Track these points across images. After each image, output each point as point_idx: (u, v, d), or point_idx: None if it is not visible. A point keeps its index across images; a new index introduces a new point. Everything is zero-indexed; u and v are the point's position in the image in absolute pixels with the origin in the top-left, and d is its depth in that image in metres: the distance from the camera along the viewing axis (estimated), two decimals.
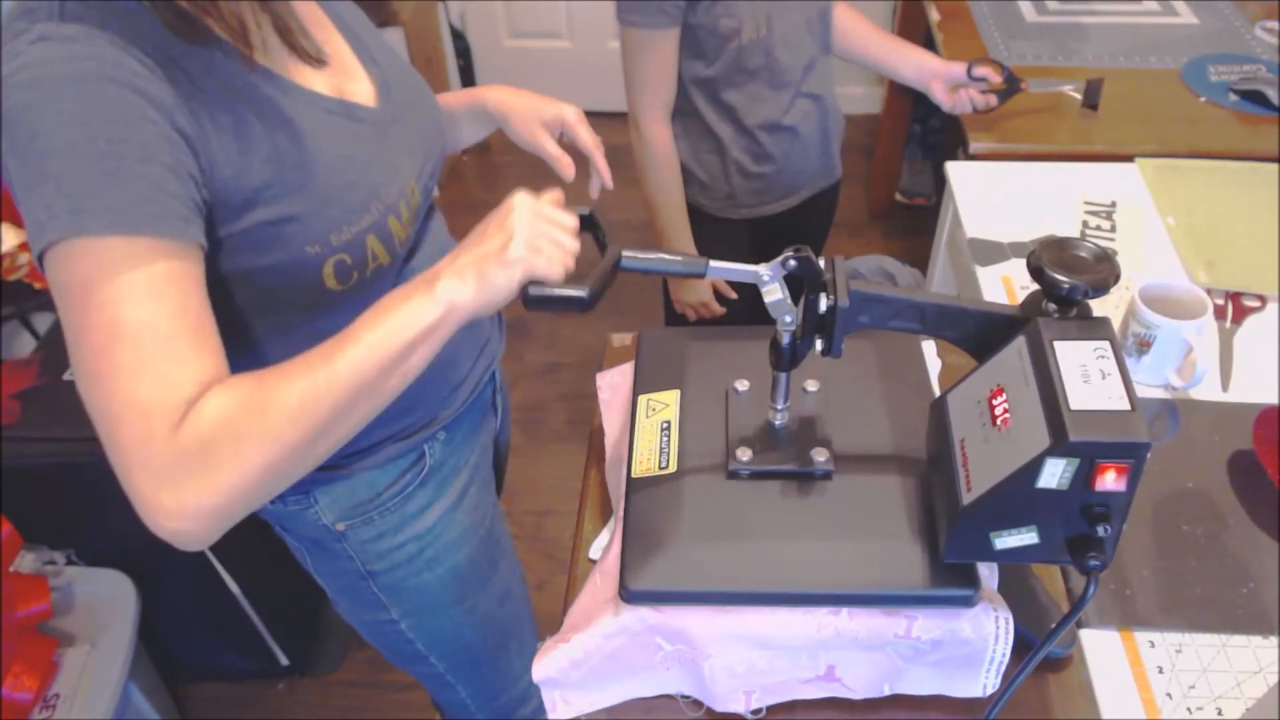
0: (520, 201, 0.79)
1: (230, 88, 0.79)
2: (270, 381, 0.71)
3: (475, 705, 1.33)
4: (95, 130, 0.69)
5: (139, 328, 0.69)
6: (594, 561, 1.02)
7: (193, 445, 0.68)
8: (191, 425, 0.68)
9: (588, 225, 0.88)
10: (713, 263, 0.82)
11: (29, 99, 0.69)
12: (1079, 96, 1.80)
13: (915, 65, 1.67)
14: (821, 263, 0.82)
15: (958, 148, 1.84)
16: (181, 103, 0.74)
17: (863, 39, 1.68)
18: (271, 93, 0.82)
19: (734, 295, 1.69)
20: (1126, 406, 0.69)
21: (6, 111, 0.70)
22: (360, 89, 0.93)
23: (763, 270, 0.81)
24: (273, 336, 0.90)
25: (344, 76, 0.93)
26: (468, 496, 1.15)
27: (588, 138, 1.11)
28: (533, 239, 0.77)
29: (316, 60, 0.84)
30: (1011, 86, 1.72)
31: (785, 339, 0.86)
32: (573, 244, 0.80)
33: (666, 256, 0.83)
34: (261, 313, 0.88)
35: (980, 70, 1.64)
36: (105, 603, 1.60)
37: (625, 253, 0.82)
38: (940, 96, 1.66)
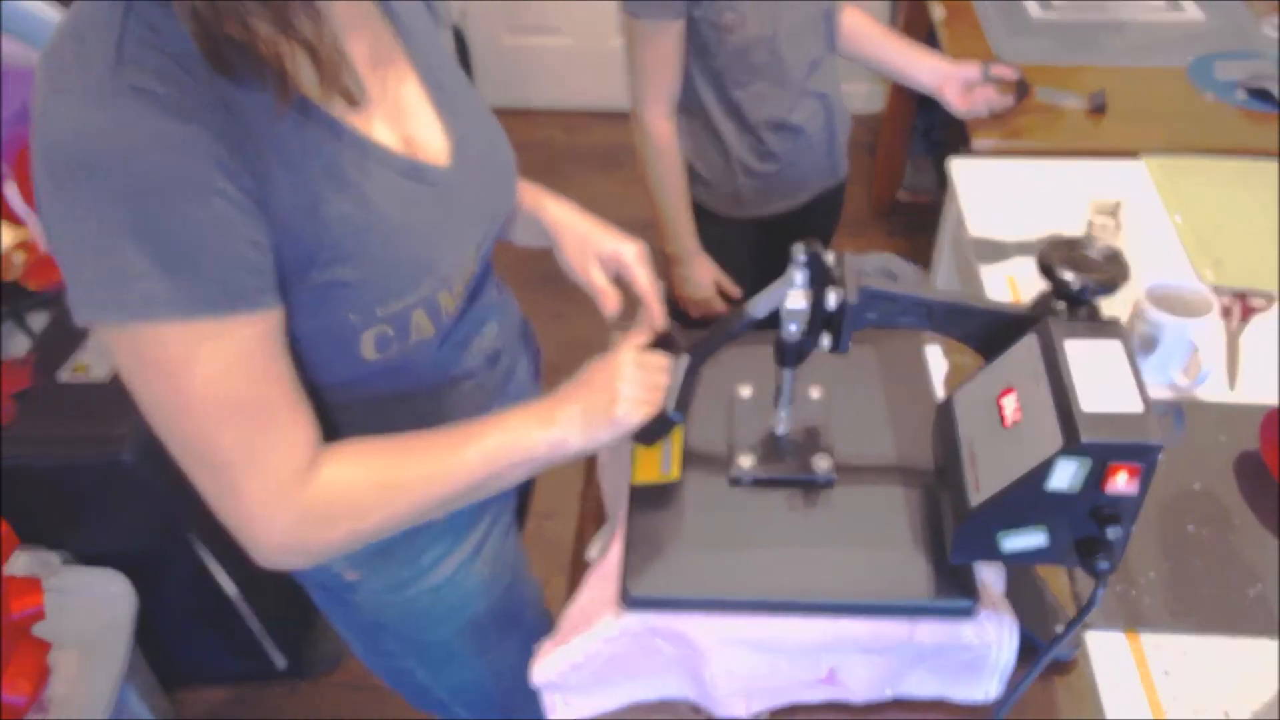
0: (625, 360, 0.86)
1: (293, 140, 0.73)
2: (396, 460, 0.81)
3: None
4: (158, 205, 0.65)
5: (240, 402, 0.71)
6: (593, 563, 1.01)
7: (317, 508, 0.76)
8: (318, 490, 0.76)
9: (666, 342, 0.93)
10: (753, 310, 0.86)
11: (91, 161, 0.64)
12: (1082, 107, 1.79)
13: (929, 69, 1.65)
14: (830, 258, 0.81)
15: (961, 145, 1.83)
16: (245, 162, 0.69)
17: (873, 42, 1.67)
18: (338, 148, 0.76)
19: (737, 293, 1.69)
20: (1139, 408, 0.68)
21: (58, 166, 0.65)
22: (432, 143, 0.86)
23: (795, 275, 0.81)
24: (319, 368, 0.85)
25: (415, 126, 0.85)
26: (486, 547, 1.07)
27: (645, 282, 1.00)
28: (636, 395, 0.84)
29: (351, 99, 0.75)
30: (1022, 91, 1.71)
31: (791, 337, 0.85)
32: (667, 382, 0.87)
33: (721, 332, 0.88)
34: (301, 346, 0.82)
35: (998, 71, 1.63)
36: (102, 604, 1.59)
37: (694, 357, 0.89)
38: (954, 100, 1.64)
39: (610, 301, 1.01)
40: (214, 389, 0.70)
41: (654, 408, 0.85)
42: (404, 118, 0.84)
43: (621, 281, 1.03)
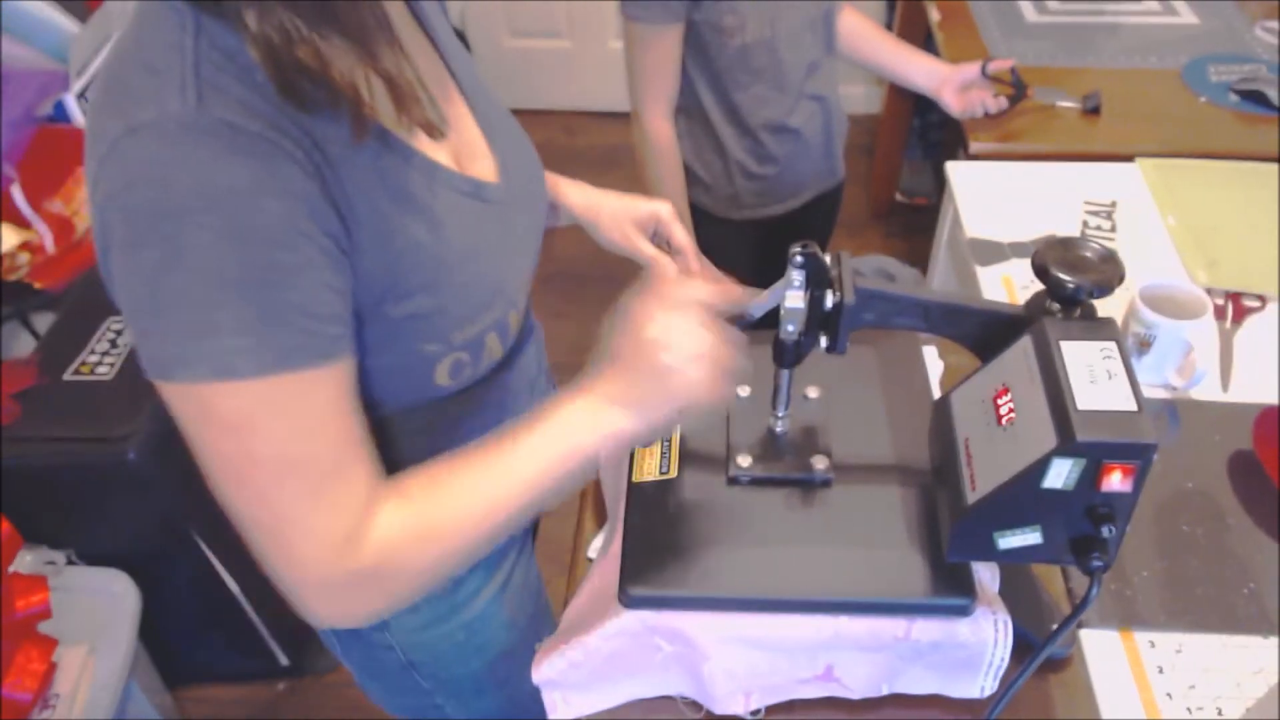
0: (692, 324, 0.73)
1: (370, 168, 0.69)
2: (443, 499, 0.73)
3: None
4: (252, 254, 0.61)
5: (309, 461, 0.67)
6: (593, 561, 1.01)
7: (367, 568, 0.71)
8: (367, 550, 0.70)
9: None
10: (752, 310, 0.85)
11: (180, 206, 0.59)
12: (1077, 107, 1.80)
13: (926, 71, 1.67)
14: (827, 258, 0.82)
15: (958, 147, 1.84)
16: (328, 197, 0.66)
17: (870, 44, 1.68)
18: (408, 172, 0.72)
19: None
20: (1133, 407, 0.69)
21: (140, 212, 0.60)
22: (481, 160, 0.83)
23: (793, 275, 0.82)
24: (391, 402, 0.83)
25: (464, 144, 0.82)
26: (514, 576, 1.05)
27: (683, 236, 1.04)
28: (706, 381, 0.73)
29: (433, 131, 0.71)
30: (1019, 92, 1.72)
31: (789, 337, 0.86)
32: (735, 359, 0.76)
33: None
34: (374, 381, 0.79)
35: (995, 66, 1.65)
36: (105, 603, 1.59)
37: None
38: (950, 101, 1.65)
39: (668, 267, 1.04)
40: (280, 447, 0.66)
41: (722, 390, 0.74)
42: (454, 136, 0.81)
43: (658, 239, 1.07)
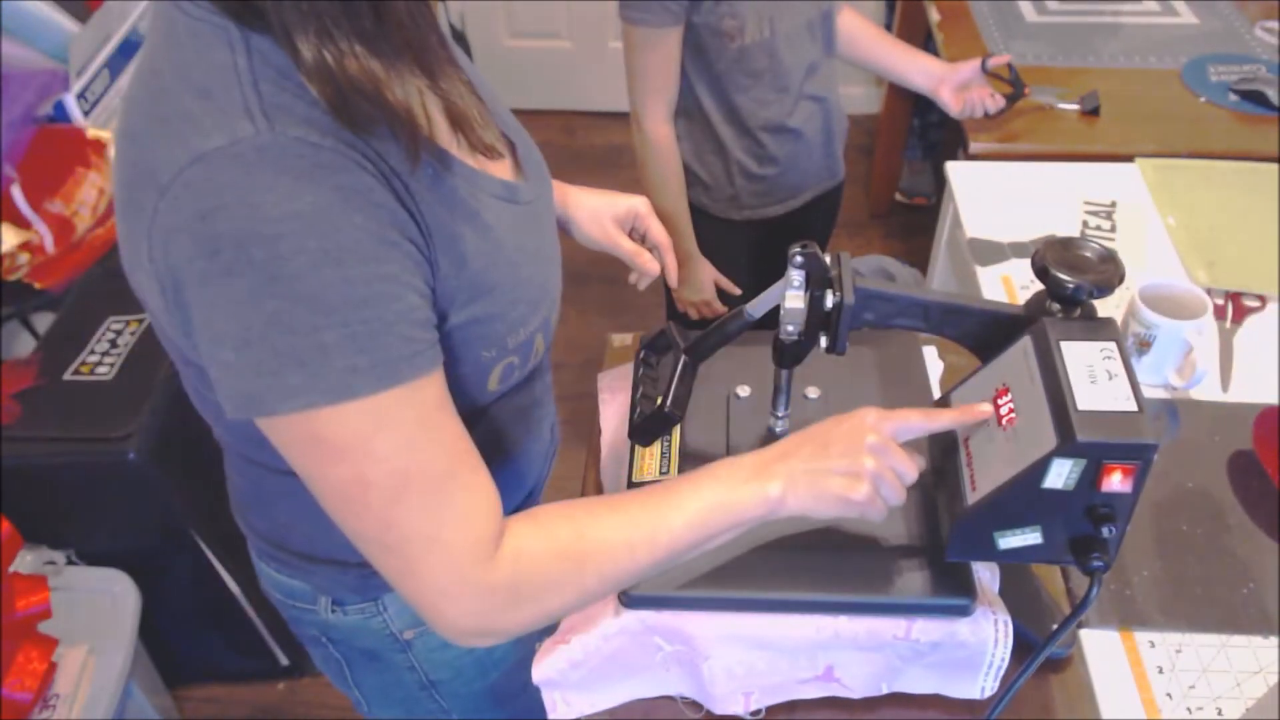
0: (875, 432, 0.75)
1: (424, 178, 0.68)
2: (589, 534, 0.72)
3: None
4: (350, 271, 0.59)
5: (422, 471, 0.66)
6: None
7: (503, 586, 0.70)
8: (505, 568, 0.69)
9: (664, 342, 0.93)
10: (751, 310, 0.85)
11: (269, 231, 0.57)
12: (1075, 108, 1.80)
13: (924, 71, 1.67)
14: (827, 258, 0.82)
15: (957, 147, 1.84)
16: (404, 206, 0.65)
17: (869, 44, 1.68)
18: (453, 180, 0.71)
19: (738, 291, 1.69)
20: (1133, 407, 0.69)
21: (225, 243, 0.58)
22: (504, 164, 0.82)
23: (793, 275, 0.82)
24: None
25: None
26: None
27: (660, 231, 1.06)
28: (878, 486, 0.74)
29: (494, 154, 0.72)
30: (1017, 91, 1.72)
31: (789, 337, 0.86)
32: (911, 481, 0.76)
33: (720, 332, 0.88)
34: None
35: (994, 62, 1.66)
36: (105, 603, 1.59)
37: (692, 359, 0.89)
38: (948, 101, 1.65)
39: (649, 262, 1.05)
40: (395, 463, 0.64)
41: (883, 514, 0.75)
42: None
43: (634, 234, 1.08)
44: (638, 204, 1.07)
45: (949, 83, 1.65)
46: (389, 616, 0.95)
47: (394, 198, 0.64)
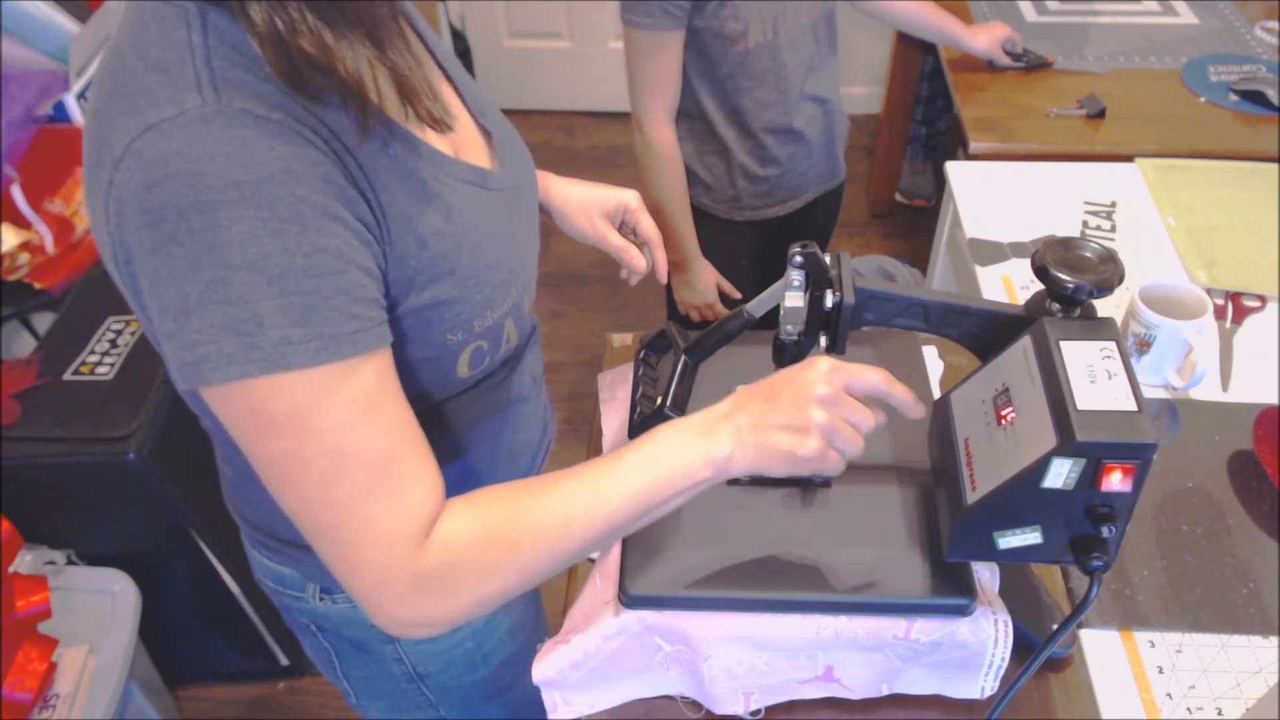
0: (825, 383, 0.72)
1: (383, 158, 0.69)
2: (523, 512, 0.70)
3: None
4: (289, 242, 0.59)
5: (361, 452, 0.64)
6: (593, 562, 1.01)
7: (437, 571, 0.68)
8: (437, 552, 0.68)
9: (664, 342, 0.93)
10: (751, 309, 0.85)
11: (211, 199, 0.58)
12: (1081, 113, 1.81)
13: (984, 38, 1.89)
14: (827, 259, 0.82)
15: (958, 147, 1.85)
16: (354, 183, 0.65)
17: (925, 16, 1.83)
18: (417, 162, 0.72)
19: (738, 294, 1.70)
20: (1133, 407, 0.69)
21: (167, 210, 0.58)
22: (476, 148, 0.83)
23: (793, 275, 0.82)
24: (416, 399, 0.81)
25: (462, 136, 0.82)
26: None
27: (650, 227, 1.05)
28: (829, 437, 0.72)
29: (441, 125, 0.71)
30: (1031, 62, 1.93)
31: (789, 337, 0.86)
32: (867, 430, 0.74)
33: (719, 332, 0.87)
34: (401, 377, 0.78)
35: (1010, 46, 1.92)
36: (105, 603, 1.59)
37: (692, 359, 0.88)
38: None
39: (636, 259, 1.04)
40: (331, 441, 0.63)
41: (839, 467, 0.73)
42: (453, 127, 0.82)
43: (624, 229, 1.07)
44: (628, 198, 1.06)
45: (995, 46, 1.90)
46: None
47: (344, 174, 0.64)
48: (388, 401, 0.67)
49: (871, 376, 0.74)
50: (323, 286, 0.61)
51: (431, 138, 0.75)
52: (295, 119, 0.62)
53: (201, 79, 0.60)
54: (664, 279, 1.10)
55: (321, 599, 0.95)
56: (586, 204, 1.06)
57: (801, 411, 0.71)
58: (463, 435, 0.89)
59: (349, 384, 0.63)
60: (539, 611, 1.16)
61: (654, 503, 0.72)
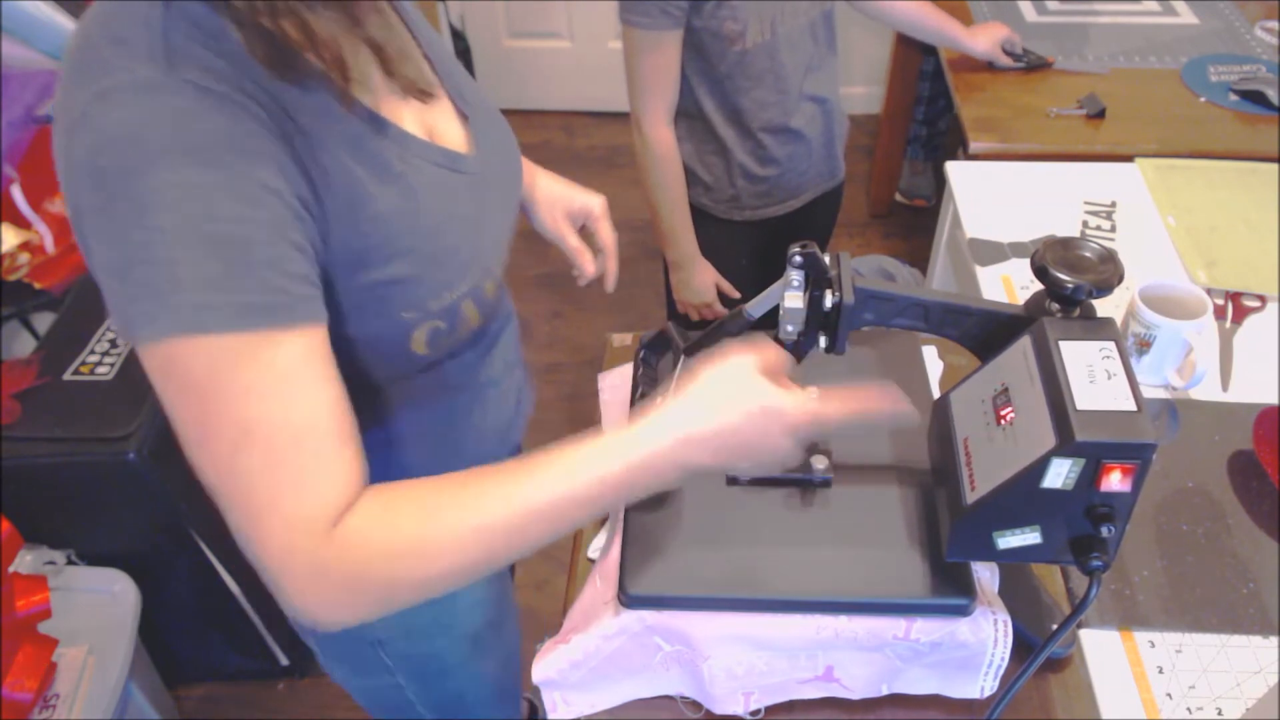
0: (797, 437, 0.74)
1: (342, 137, 0.70)
2: (434, 524, 0.67)
3: None
4: (218, 209, 0.61)
5: (270, 428, 0.63)
6: (593, 561, 1.01)
7: (338, 568, 0.66)
8: (339, 548, 0.65)
9: (664, 342, 0.94)
10: (751, 309, 0.85)
11: (146, 163, 0.60)
12: (1081, 113, 1.82)
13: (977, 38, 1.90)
14: (826, 259, 0.82)
15: (958, 147, 1.85)
16: (297, 160, 0.66)
17: (924, 17, 1.84)
18: (381, 143, 0.74)
19: (737, 294, 1.70)
20: (1132, 407, 0.69)
21: (107, 171, 0.60)
22: (452, 132, 0.84)
23: (792, 275, 0.82)
24: (372, 372, 0.82)
25: (436, 115, 0.83)
26: None
27: (608, 235, 1.10)
28: (773, 438, 0.73)
29: (424, 94, 0.74)
30: (1037, 61, 1.93)
31: (789, 337, 0.86)
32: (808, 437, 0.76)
33: (719, 332, 0.88)
34: (354, 350, 0.79)
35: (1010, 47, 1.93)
36: (105, 602, 1.59)
37: (691, 359, 0.88)
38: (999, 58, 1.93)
39: (588, 263, 1.08)
40: (240, 411, 0.63)
41: (786, 454, 0.74)
42: (426, 108, 0.82)
43: (585, 232, 1.10)
44: (593, 203, 1.09)
45: (997, 46, 1.91)
46: None
47: (288, 151, 0.65)
48: (310, 380, 0.66)
49: (833, 418, 0.75)
50: (247, 256, 0.62)
51: (405, 119, 0.77)
52: (244, 93, 0.63)
53: (155, 51, 0.62)
54: (611, 288, 1.13)
55: None
56: (554, 201, 1.09)
57: (773, 457, 0.74)
58: (428, 415, 0.90)
59: (266, 354, 0.63)
60: (504, 589, 1.17)
61: (583, 506, 0.70)
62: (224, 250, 0.61)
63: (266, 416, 0.64)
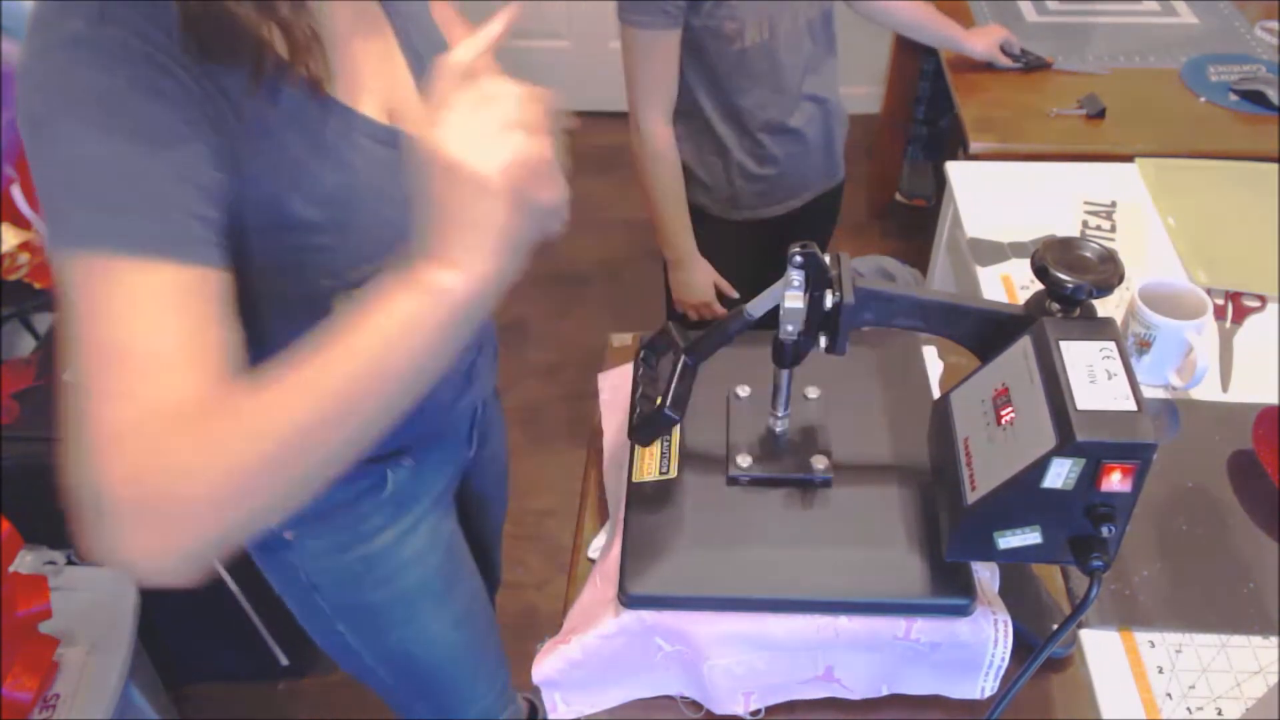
0: (489, 128, 0.63)
1: (277, 109, 0.74)
2: (243, 420, 0.63)
3: None
4: (126, 147, 0.66)
5: (136, 355, 0.64)
6: (593, 561, 1.01)
7: (170, 449, 0.62)
8: (181, 431, 0.62)
9: (664, 342, 0.93)
10: (751, 309, 0.85)
11: (59, 104, 0.66)
12: (1081, 113, 1.82)
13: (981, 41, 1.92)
14: (826, 259, 0.82)
15: (958, 148, 1.85)
16: (221, 119, 0.71)
17: (925, 18, 1.85)
18: (325, 118, 0.78)
19: (735, 294, 1.70)
20: (1133, 407, 0.69)
21: (32, 114, 0.67)
22: (414, 115, 0.86)
23: (792, 276, 0.82)
24: (285, 331, 0.80)
25: (397, 95, 0.87)
26: (425, 523, 1.11)
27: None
28: (528, 186, 0.64)
29: (317, 82, 0.76)
30: (1037, 62, 1.93)
31: (789, 338, 0.86)
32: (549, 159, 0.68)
33: (719, 332, 0.88)
34: (271, 308, 0.82)
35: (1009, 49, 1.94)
36: (105, 603, 1.59)
37: (691, 359, 0.88)
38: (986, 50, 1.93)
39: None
40: (114, 331, 0.64)
41: (553, 192, 0.68)
42: (387, 87, 0.86)
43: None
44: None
45: (996, 48, 1.92)
46: None
47: (211, 110, 0.70)
48: (190, 317, 0.66)
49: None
50: (150, 190, 0.66)
51: (344, 91, 0.80)
52: (168, 55, 0.67)
53: (91, 10, 0.66)
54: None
55: None
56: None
57: (495, 199, 0.63)
58: None
59: (147, 286, 0.65)
60: (453, 554, 1.19)
61: (389, 366, 0.64)
62: (127, 182, 0.66)
63: (134, 343, 0.64)
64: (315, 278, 0.80)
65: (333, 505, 1.02)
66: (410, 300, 0.63)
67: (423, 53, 0.91)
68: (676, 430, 0.96)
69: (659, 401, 0.88)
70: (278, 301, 0.81)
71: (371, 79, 0.84)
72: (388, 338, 0.63)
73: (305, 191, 0.76)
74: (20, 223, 1.66)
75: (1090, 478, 0.70)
